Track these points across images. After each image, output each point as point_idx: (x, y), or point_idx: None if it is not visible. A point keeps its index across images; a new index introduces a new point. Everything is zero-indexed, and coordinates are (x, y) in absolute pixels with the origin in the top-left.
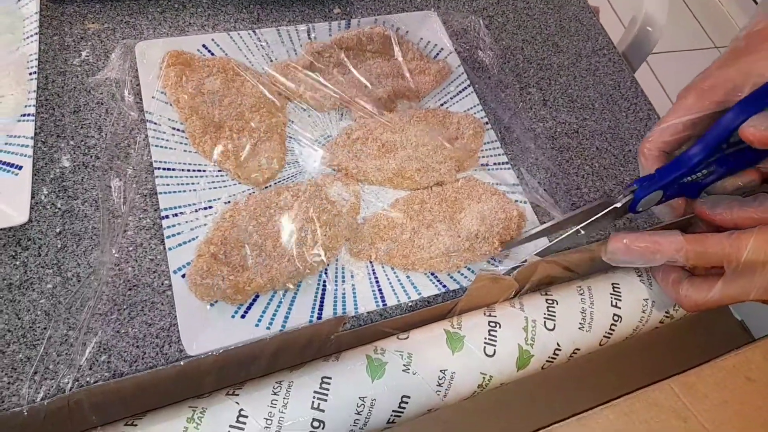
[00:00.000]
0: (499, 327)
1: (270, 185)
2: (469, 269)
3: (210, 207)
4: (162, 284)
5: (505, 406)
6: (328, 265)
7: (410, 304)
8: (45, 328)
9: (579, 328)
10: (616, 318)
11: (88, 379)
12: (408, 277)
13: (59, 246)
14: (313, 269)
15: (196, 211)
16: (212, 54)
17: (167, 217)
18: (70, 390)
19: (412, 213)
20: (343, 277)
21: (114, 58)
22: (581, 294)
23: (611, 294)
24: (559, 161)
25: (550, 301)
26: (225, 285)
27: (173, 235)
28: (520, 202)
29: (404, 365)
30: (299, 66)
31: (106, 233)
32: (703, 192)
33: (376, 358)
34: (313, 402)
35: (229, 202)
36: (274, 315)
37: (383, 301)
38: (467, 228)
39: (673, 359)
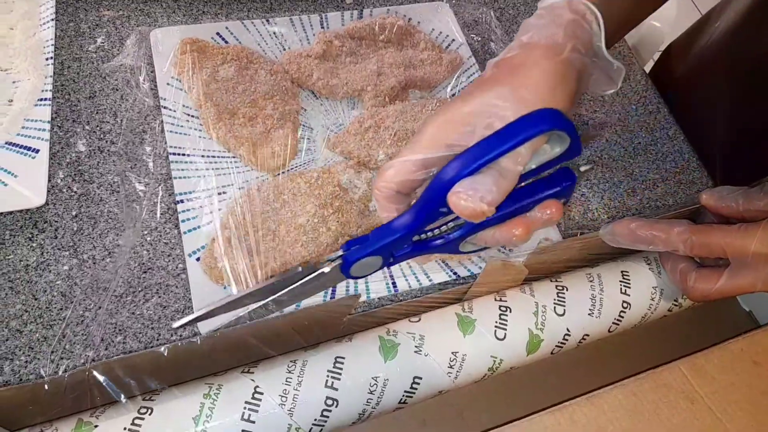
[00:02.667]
0: (510, 311)
1: (283, 172)
2: (479, 257)
3: (224, 192)
4: (176, 267)
5: (514, 391)
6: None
7: (421, 290)
8: (61, 309)
9: (588, 314)
10: (625, 305)
11: (103, 359)
12: (419, 263)
13: (75, 229)
14: (326, 255)
15: (210, 196)
16: (226, 42)
17: (182, 201)
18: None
19: None
20: None
21: (129, 44)
22: (591, 281)
23: (621, 282)
24: None
25: (560, 288)
26: (239, 269)
27: (188, 219)
28: None
29: (416, 347)
30: (312, 55)
31: (123, 218)
32: (465, 242)
33: (389, 339)
34: (326, 381)
35: (242, 188)
36: None
37: (395, 287)
38: None
39: (680, 348)
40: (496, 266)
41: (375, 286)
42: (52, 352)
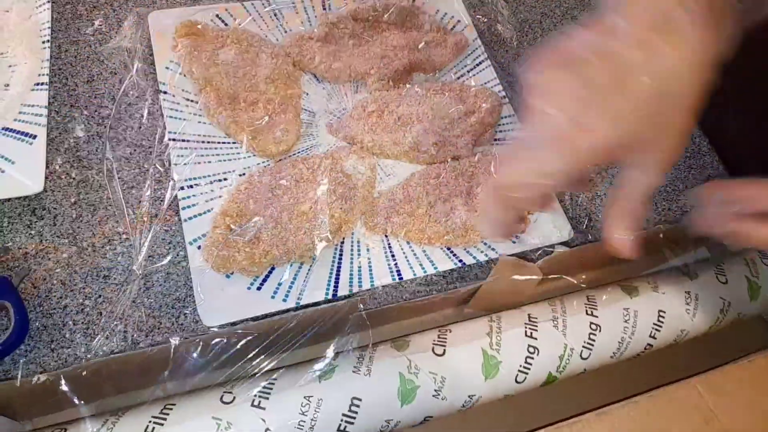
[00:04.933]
0: (537, 353)
1: (285, 158)
2: (485, 244)
3: (225, 179)
4: (177, 255)
5: (522, 401)
6: (344, 238)
7: (426, 278)
8: (61, 298)
9: (611, 357)
10: (647, 347)
11: (104, 348)
12: (424, 251)
13: (74, 216)
14: (329, 242)
15: (211, 183)
16: (226, 24)
17: (182, 188)
18: (86, 359)
19: (429, 187)
20: (359, 250)
21: (127, 27)
22: (626, 321)
23: (654, 324)
24: None
25: (594, 326)
26: (241, 257)
27: (188, 207)
28: None
29: (435, 390)
30: (314, 37)
31: (121, 204)
32: None
33: (409, 379)
34: (340, 425)
35: (244, 174)
36: (290, 287)
37: (399, 275)
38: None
39: (696, 362)
40: (507, 263)
41: (379, 274)
42: (52, 341)
